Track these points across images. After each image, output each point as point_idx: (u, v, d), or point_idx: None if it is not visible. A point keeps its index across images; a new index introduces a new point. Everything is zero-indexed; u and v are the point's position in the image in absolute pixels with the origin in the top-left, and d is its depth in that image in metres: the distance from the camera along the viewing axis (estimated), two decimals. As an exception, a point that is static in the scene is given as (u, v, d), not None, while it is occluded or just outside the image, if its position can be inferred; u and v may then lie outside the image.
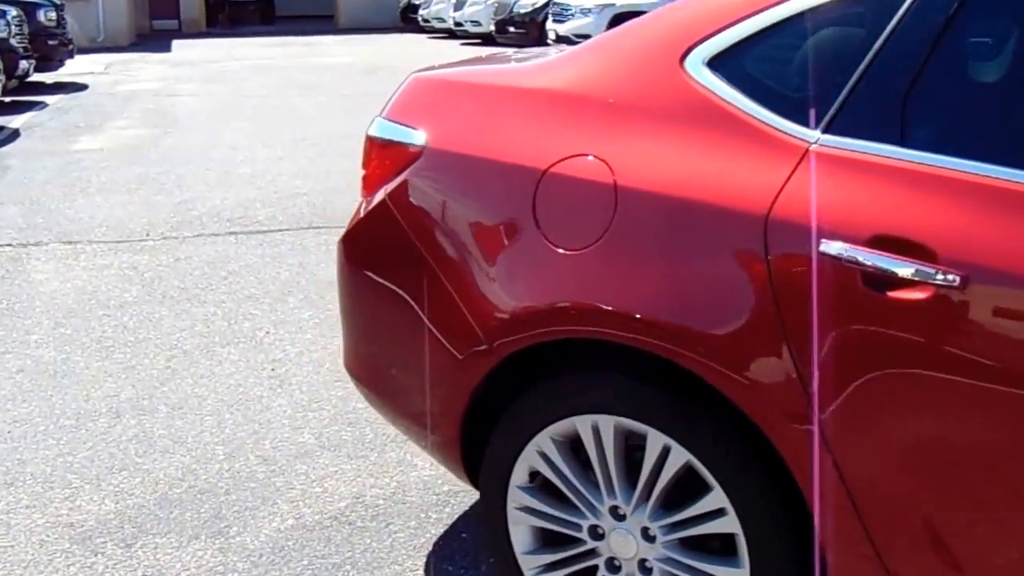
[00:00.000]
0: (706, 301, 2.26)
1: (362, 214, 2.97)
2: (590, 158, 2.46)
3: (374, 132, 2.98)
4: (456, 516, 3.44)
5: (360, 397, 4.41)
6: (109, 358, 4.79)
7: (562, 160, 2.49)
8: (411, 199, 2.82)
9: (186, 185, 8.58)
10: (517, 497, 2.66)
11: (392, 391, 3.05)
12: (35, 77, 14.97)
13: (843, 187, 2.14)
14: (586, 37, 20.06)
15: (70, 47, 16.14)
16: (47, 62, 15.12)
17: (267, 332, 5.13)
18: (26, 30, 13.83)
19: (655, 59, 2.54)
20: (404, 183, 2.82)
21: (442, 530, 3.34)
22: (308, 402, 4.32)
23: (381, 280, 2.93)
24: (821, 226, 2.10)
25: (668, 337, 2.29)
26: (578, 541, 2.58)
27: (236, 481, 3.67)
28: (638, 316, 2.31)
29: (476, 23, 24.68)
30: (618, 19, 18.70)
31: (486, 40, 24.69)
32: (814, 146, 2.20)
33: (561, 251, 2.45)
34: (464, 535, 3.32)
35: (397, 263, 2.86)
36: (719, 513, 2.33)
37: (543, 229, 2.49)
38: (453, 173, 2.77)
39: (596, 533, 2.55)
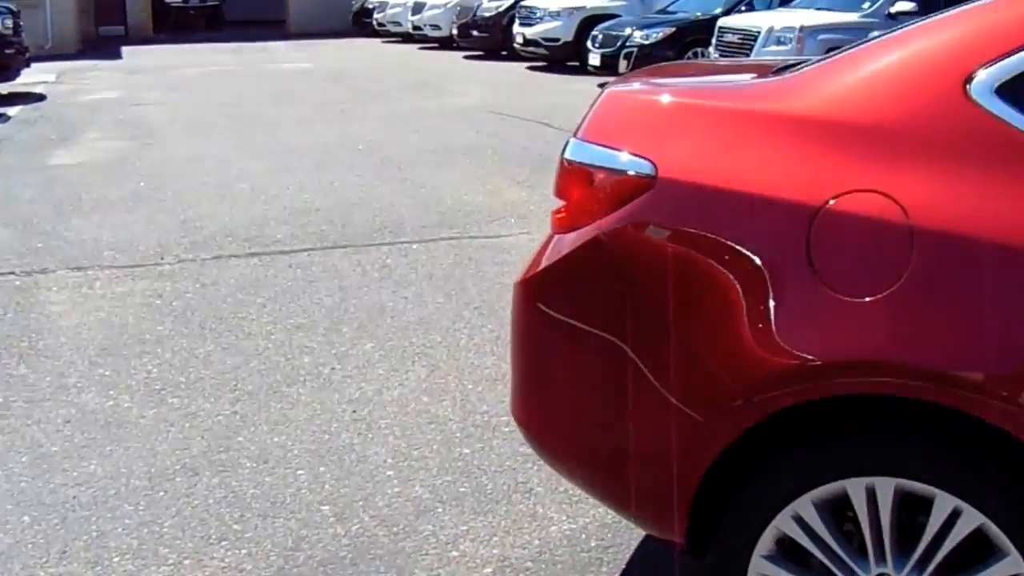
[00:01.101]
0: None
1: (562, 252, 2.55)
2: (874, 193, 2.15)
3: (576, 156, 2.56)
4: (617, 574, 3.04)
5: (465, 442, 3.97)
6: (164, 403, 4.27)
7: (841, 195, 2.19)
8: (639, 237, 2.45)
9: (186, 202, 8.02)
10: (761, 567, 2.33)
11: (580, 447, 2.68)
12: (-10, 88, 14.26)
13: None
14: (555, 41, 19.84)
15: (27, 56, 15.40)
16: (3, 72, 14.37)
17: (332, 368, 4.63)
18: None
19: (931, 82, 2.25)
20: (629, 218, 2.44)
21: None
22: (407, 449, 3.84)
23: (585, 327, 2.56)
24: None
25: (974, 391, 2.03)
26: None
27: (358, 549, 3.20)
28: (940, 369, 2.05)
29: (436, 27, 24.23)
30: (588, 22, 18.35)
31: (444, 44, 24.26)
32: None
33: (845, 298, 2.14)
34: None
35: (612, 309, 2.48)
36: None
37: (820, 273, 2.17)
38: (696, 208, 2.40)
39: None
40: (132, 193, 8.35)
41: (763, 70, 2.91)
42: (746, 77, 2.91)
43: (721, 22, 14.32)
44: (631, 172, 2.44)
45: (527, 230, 7.13)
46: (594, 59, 16.76)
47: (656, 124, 2.55)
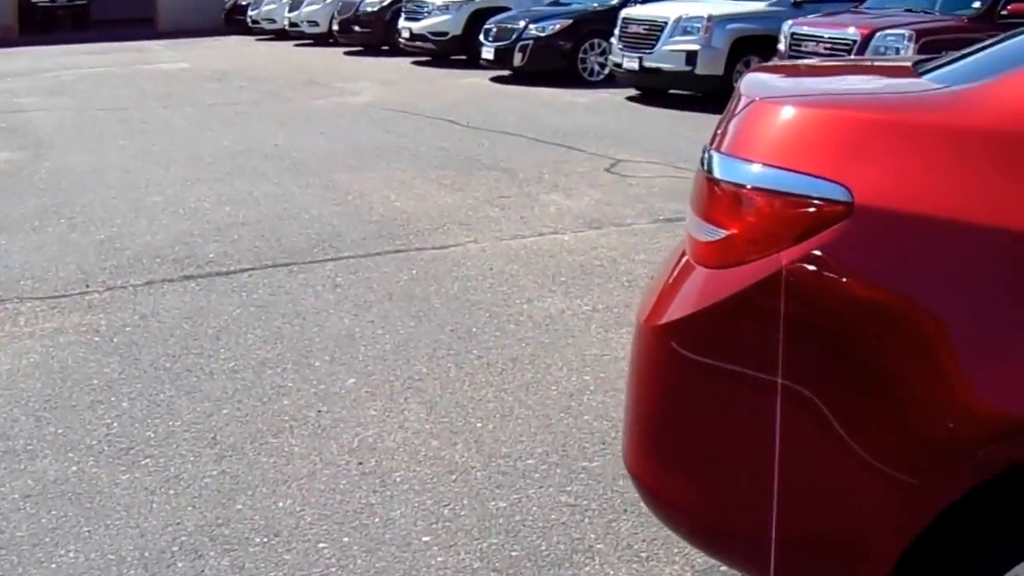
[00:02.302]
0: None
1: (723, 290, 2.10)
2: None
3: (737, 178, 2.11)
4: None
5: (497, 493, 3.46)
6: (137, 466, 3.66)
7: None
8: (832, 273, 2.01)
9: (99, 219, 7.29)
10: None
11: (729, 510, 2.25)
12: None
13: None
14: (444, 35, 19.30)
15: None
16: None
17: (318, 411, 4.07)
18: None
19: None
20: (820, 252, 2.01)
21: None
22: (434, 507, 3.33)
23: (753, 376, 2.12)
24: None
25: None
26: None
27: (419, 645, 2.65)
28: None
29: (314, 23, 23.46)
30: (477, 15, 17.85)
31: (321, 41, 23.55)
32: None
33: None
34: None
35: (792, 357, 2.05)
36: None
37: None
38: (901, 239, 1.98)
39: None
40: (36, 210, 7.57)
41: (903, 71, 2.48)
42: (906, 83, 2.47)
43: (625, 13, 13.96)
44: (821, 199, 2.00)
45: (473, 238, 6.65)
46: (488, 53, 16.27)
47: (843, 142, 2.10)
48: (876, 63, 3.22)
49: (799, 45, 11.21)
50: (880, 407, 1.94)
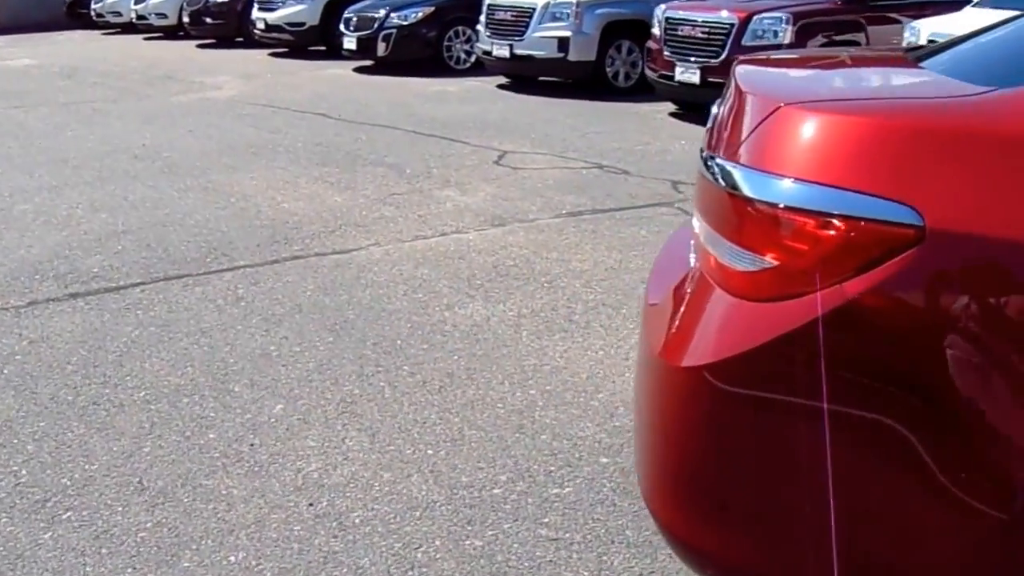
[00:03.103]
0: None
1: (777, 325, 1.86)
2: None
3: (772, 196, 1.84)
4: None
5: (472, 531, 3.14)
6: (58, 521, 3.24)
7: None
8: (904, 303, 1.79)
9: (-37, 233, 6.68)
10: None
11: (777, 557, 2.00)
12: None
13: None
14: (300, 26, 18.70)
15: None
16: None
17: (251, 444, 3.69)
18: None
19: None
20: (890, 281, 1.78)
21: None
22: (405, 551, 3.02)
23: (821, 418, 1.83)
24: None
25: None
26: None
27: None
28: None
29: (162, 15, 22.58)
30: (334, 5, 17.36)
31: (170, 34, 22.69)
32: None
33: None
34: None
35: (861, 393, 1.83)
36: None
37: None
38: (988, 266, 1.77)
39: None
40: None
41: (904, 63, 2.26)
42: (933, 81, 2.25)
43: (490, 0, 13.65)
44: (888, 222, 1.76)
45: (374, 241, 6.31)
46: (349, 43, 15.81)
47: (903, 156, 1.85)
48: (865, 53, 3.02)
49: (675, 29, 11.09)
50: (966, 444, 1.72)
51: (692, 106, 11.86)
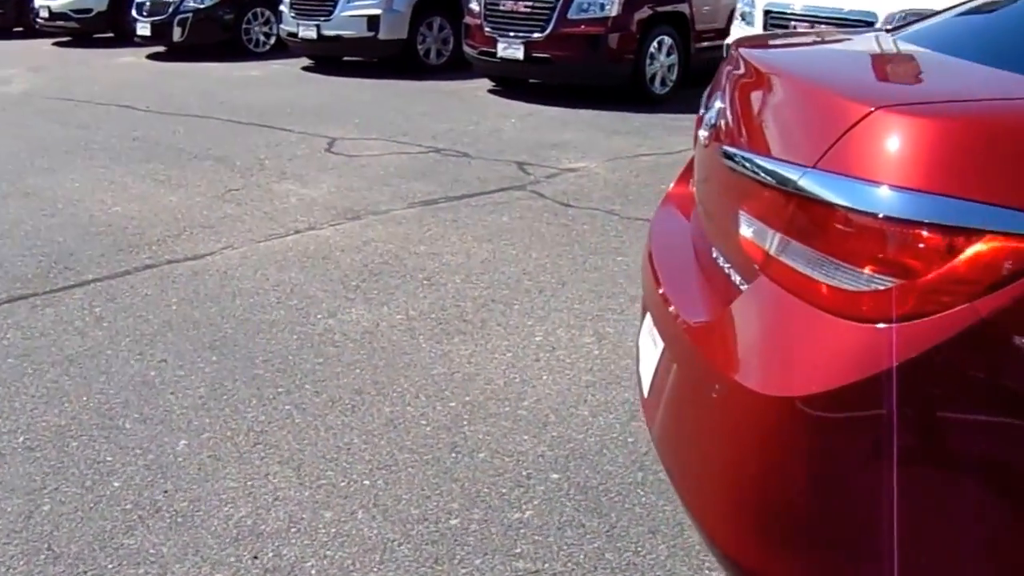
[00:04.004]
0: None
1: (913, 347, 1.65)
2: None
3: (878, 207, 1.67)
4: None
5: (450, 572, 2.84)
6: (-39, 603, 2.77)
7: None
8: None
9: None
10: None
11: None
12: None
13: None
14: (87, 13, 17.58)
15: None
16: None
17: (164, 491, 3.31)
18: None
19: None
20: None
21: None
22: (376, 606, 2.68)
23: (951, 451, 1.70)
24: None
25: None
26: None
27: None
28: None
29: (-73, 4, 20.80)
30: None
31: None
32: None
33: None
34: None
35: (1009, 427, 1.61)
36: None
37: None
38: None
39: None
40: None
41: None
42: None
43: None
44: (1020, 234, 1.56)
45: (226, 243, 5.89)
46: (143, 29, 14.96)
47: (989, 162, 1.66)
48: (849, 33, 2.87)
49: (496, 4, 10.90)
50: None
51: (513, 82, 11.68)
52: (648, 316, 2.61)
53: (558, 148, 8.67)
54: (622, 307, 4.87)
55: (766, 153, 2.01)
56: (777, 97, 2.14)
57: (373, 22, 12.35)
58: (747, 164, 2.04)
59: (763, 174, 1.96)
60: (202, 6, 14.53)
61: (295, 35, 13.16)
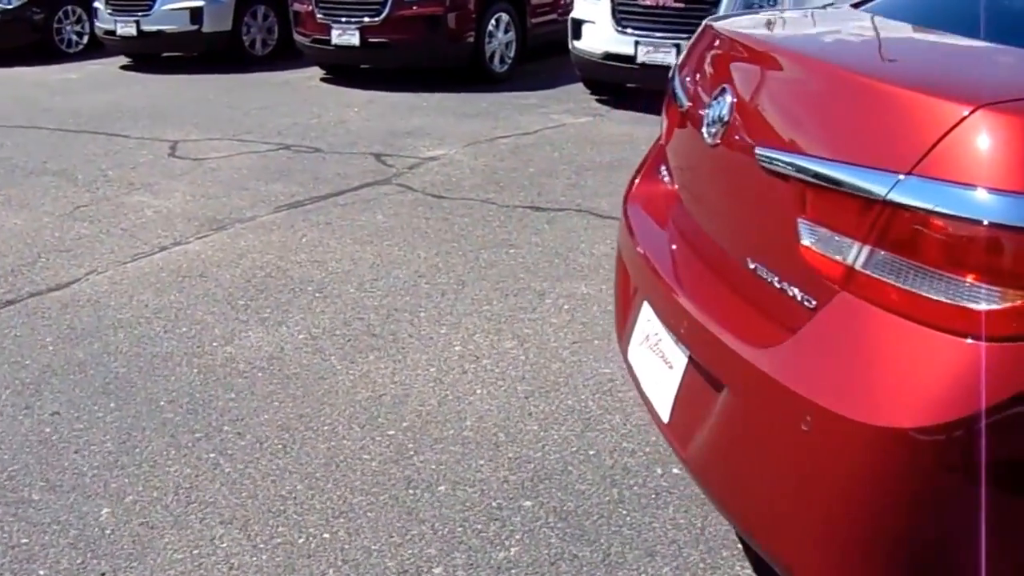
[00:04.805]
0: None
1: None
2: None
3: (1011, 218, 1.43)
4: None
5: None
6: None
7: None
8: None
9: None
10: None
11: None
12: None
13: None
14: None
15: None
16: None
17: (101, 573, 2.89)
18: None
19: None
20: None
21: None
22: None
23: None
24: None
25: None
26: None
27: None
28: None
29: None
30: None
31: None
32: None
33: None
34: None
35: None
36: None
37: None
38: None
39: None
40: None
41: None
42: None
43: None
44: None
45: (89, 267, 5.40)
46: (-58, 34, 13.77)
47: None
48: (827, 10, 2.68)
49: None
50: None
51: (346, 70, 11.25)
52: (651, 332, 2.36)
53: (412, 136, 8.33)
54: (532, 304, 4.61)
55: (831, 157, 1.77)
56: (833, 94, 1.90)
57: (196, 15, 11.67)
58: (806, 169, 1.81)
59: (832, 181, 1.72)
60: (9, 7, 13.47)
61: (112, 33, 12.34)
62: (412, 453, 3.38)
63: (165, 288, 5.03)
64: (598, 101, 9.76)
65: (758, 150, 1.99)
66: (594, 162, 7.39)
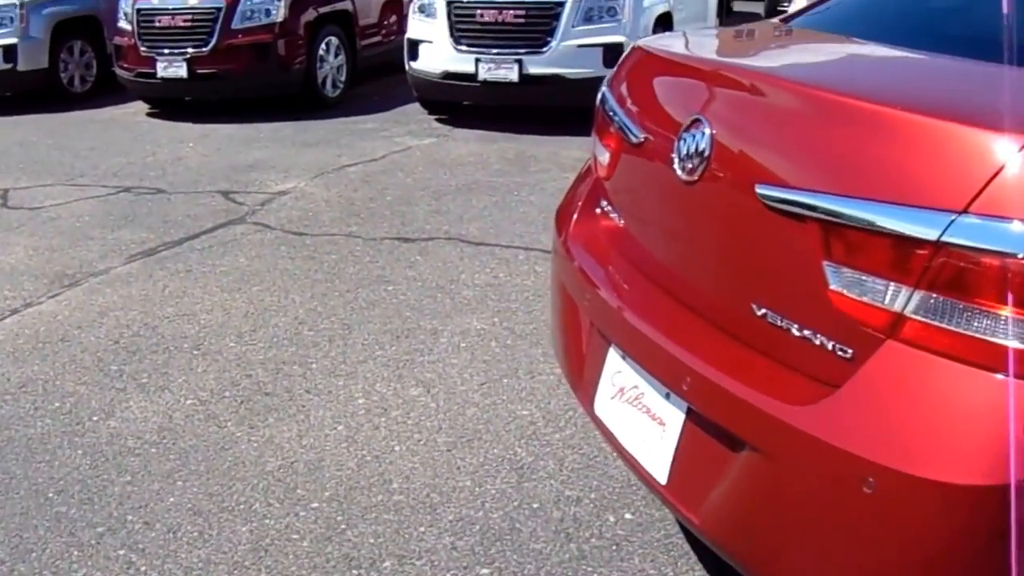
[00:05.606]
0: None
1: None
2: None
3: None
4: None
5: None
6: None
7: None
8: None
9: None
10: None
11: None
12: None
13: None
14: None
15: None
16: None
17: None
18: None
19: None
20: None
21: None
22: None
23: None
24: None
25: None
26: None
27: None
28: None
29: None
30: None
31: None
32: None
33: None
34: None
35: None
36: None
37: None
38: None
39: None
40: None
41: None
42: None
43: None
44: None
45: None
46: None
47: None
48: (758, 28, 2.55)
49: (150, 22, 9.83)
50: None
51: (171, 103, 10.70)
52: (627, 385, 2.15)
53: (255, 169, 7.93)
54: (427, 345, 4.36)
55: (858, 195, 1.60)
56: (850, 126, 1.73)
57: (9, 53, 10.87)
58: (828, 210, 1.64)
59: (865, 222, 1.56)
60: None
61: (-86, 77, 11.39)
62: (344, 527, 3.09)
63: (25, 357, 4.55)
64: (438, 121, 9.53)
65: (759, 188, 1.81)
66: (450, 186, 7.16)
